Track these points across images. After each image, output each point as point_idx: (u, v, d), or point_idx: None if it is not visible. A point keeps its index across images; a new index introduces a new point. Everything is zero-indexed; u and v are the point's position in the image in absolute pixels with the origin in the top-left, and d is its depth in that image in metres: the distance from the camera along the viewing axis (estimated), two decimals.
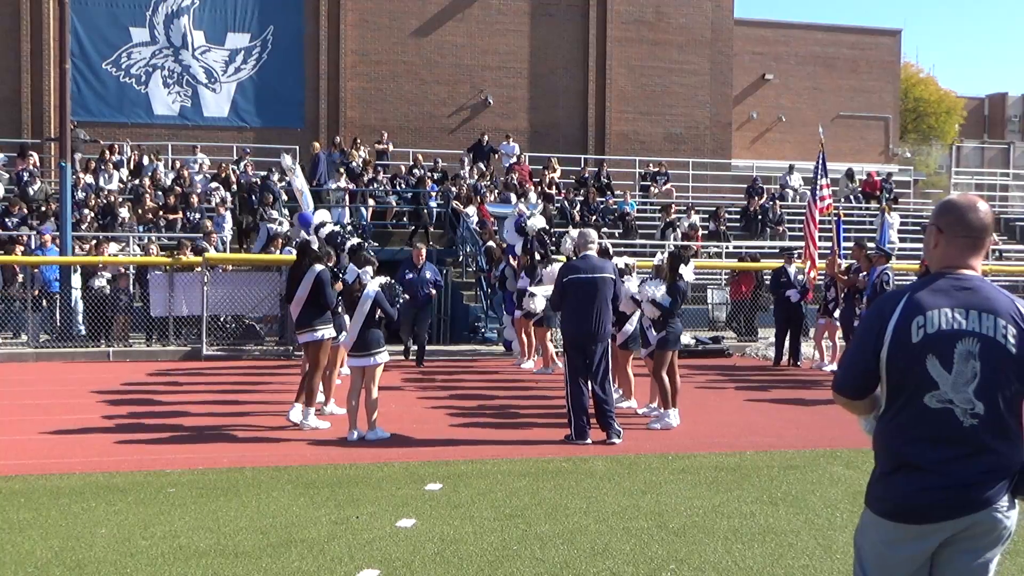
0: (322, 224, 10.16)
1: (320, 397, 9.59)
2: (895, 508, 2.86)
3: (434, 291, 13.87)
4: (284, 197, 19.35)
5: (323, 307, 9.08)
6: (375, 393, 8.47)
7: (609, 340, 8.82)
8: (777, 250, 19.67)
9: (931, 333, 2.83)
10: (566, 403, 8.57)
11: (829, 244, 14.52)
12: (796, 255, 15.31)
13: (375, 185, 21.89)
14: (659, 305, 9.19)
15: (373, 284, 8.55)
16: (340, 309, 9.55)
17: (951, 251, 2.97)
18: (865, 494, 3.01)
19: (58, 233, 15.95)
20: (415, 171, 22.92)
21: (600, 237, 10.18)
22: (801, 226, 19.16)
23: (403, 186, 22.24)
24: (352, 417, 8.49)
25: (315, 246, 9.33)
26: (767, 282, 16.85)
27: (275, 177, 19.87)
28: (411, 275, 13.43)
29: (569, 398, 8.49)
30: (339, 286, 9.27)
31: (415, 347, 14.03)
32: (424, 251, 13.89)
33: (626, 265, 10.36)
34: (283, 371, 13.06)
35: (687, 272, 9.49)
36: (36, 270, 15.34)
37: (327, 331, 9.08)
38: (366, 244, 10.51)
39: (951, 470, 2.79)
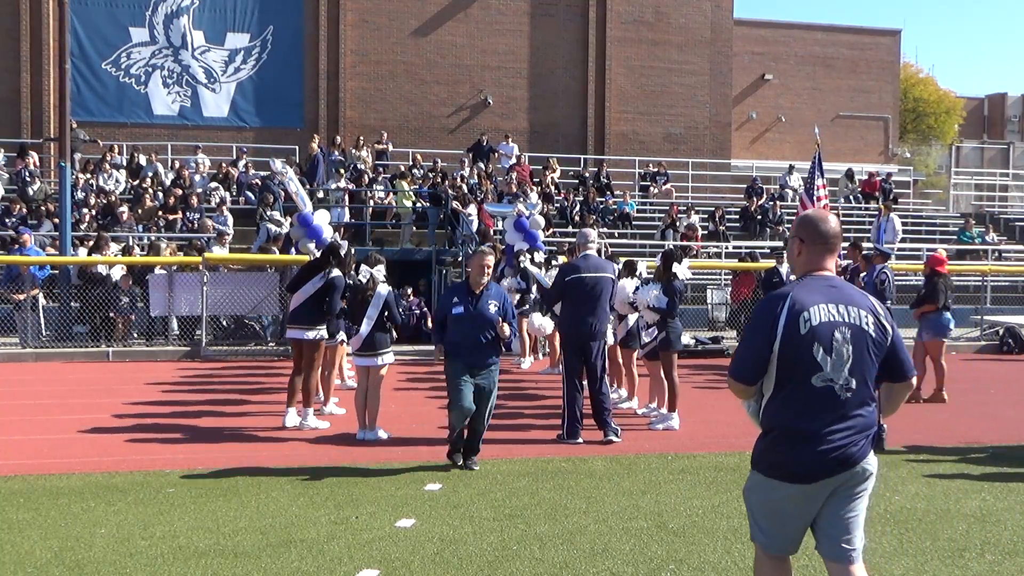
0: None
1: (320, 397, 9.60)
2: (791, 472, 3.47)
3: (508, 333, 7.41)
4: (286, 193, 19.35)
5: (324, 310, 9.09)
6: (378, 394, 8.48)
7: (605, 339, 8.83)
8: (768, 250, 19.68)
9: (815, 325, 3.44)
10: (562, 402, 8.59)
11: None
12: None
13: (376, 185, 21.90)
14: (657, 308, 9.20)
15: (384, 285, 8.57)
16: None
17: (813, 257, 3.63)
18: (755, 461, 3.63)
19: (34, 234, 16.05)
20: (415, 171, 22.91)
21: (600, 237, 10.20)
22: None
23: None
24: (361, 416, 8.51)
25: (343, 251, 9.31)
26: None
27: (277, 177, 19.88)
28: (461, 308, 7.36)
29: (565, 397, 8.52)
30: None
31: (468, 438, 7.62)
32: (492, 261, 7.63)
33: (634, 268, 10.33)
34: (283, 371, 13.05)
35: (681, 270, 9.49)
36: (27, 270, 15.30)
37: (319, 332, 9.09)
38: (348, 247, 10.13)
39: (834, 437, 3.44)
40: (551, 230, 19.18)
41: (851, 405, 3.46)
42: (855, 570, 3.54)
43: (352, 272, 9.21)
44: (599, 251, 10.89)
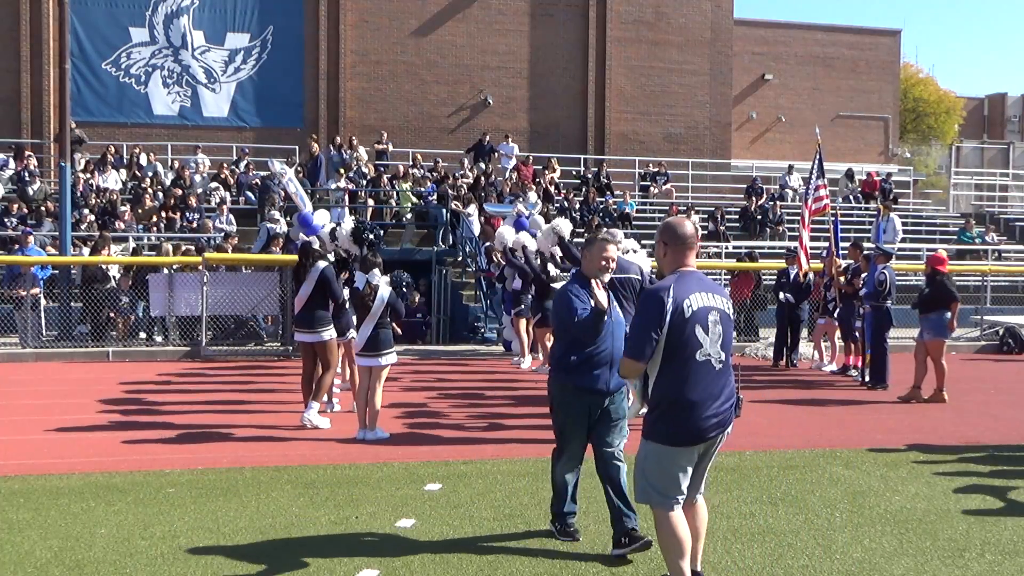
0: (337, 224, 10.14)
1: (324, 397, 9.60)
2: (681, 436, 4.23)
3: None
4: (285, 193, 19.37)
5: (327, 306, 9.09)
6: (379, 393, 8.48)
7: None
8: (783, 251, 19.70)
9: (695, 310, 4.21)
10: None
11: (826, 244, 14.48)
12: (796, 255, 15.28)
13: (378, 185, 21.92)
14: None
15: (384, 286, 8.56)
16: (347, 306, 9.55)
17: (678, 256, 4.36)
18: (648, 432, 4.32)
19: (35, 233, 16.05)
20: (414, 171, 22.91)
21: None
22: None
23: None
24: (361, 416, 8.51)
25: (316, 246, 9.35)
26: (766, 282, 16.82)
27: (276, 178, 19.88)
28: (584, 306, 5.28)
29: None
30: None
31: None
32: (615, 253, 5.64)
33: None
34: (283, 371, 13.06)
35: None
36: (28, 270, 15.29)
37: (329, 332, 9.09)
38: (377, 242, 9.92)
39: (713, 403, 4.25)
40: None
41: (723, 375, 4.30)
42: (700, 500, 4.56)
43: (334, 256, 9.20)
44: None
